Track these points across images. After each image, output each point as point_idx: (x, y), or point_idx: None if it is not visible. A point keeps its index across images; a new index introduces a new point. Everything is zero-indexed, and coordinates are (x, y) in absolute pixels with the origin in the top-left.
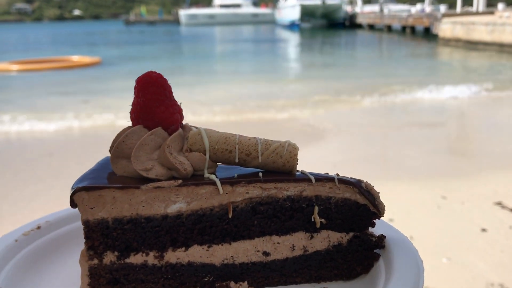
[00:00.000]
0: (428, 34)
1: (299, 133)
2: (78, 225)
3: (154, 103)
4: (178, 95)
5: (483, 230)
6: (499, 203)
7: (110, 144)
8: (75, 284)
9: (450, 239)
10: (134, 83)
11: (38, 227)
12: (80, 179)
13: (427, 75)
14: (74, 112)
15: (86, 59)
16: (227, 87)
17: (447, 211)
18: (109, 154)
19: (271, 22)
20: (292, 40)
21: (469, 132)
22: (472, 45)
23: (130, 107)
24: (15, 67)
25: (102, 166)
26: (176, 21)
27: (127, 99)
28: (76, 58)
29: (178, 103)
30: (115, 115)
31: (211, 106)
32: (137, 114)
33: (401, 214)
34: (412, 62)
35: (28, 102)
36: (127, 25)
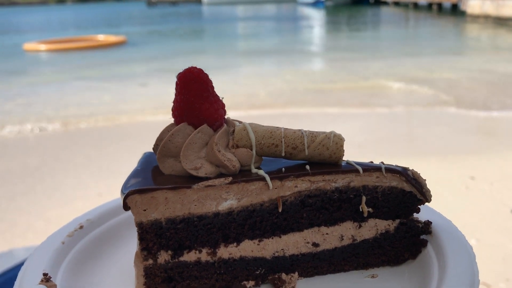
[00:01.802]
0: (455, 11)
1: (322, 116)
2: (117, 221)
3: (198, 99)
4: None
5: None
6: None
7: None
8: (126, 281)
9: (479, 220)
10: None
11: (81, 227)
12: (129, 181)
13: (456, 54)
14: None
15: (112, 38)
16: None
17: (476, 191)
18: (147, 150)
19: (293, 0)
20: (323, 19)
21: (498, 110)
22: (502, 21)
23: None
24: (43, 46)
25: (145, 164)
26: (198, 1)
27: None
28: (101, 37)
29: (221, 98)
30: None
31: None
32: (180, 111)
33: None
34: (441, 42)
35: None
36: (149, 6)
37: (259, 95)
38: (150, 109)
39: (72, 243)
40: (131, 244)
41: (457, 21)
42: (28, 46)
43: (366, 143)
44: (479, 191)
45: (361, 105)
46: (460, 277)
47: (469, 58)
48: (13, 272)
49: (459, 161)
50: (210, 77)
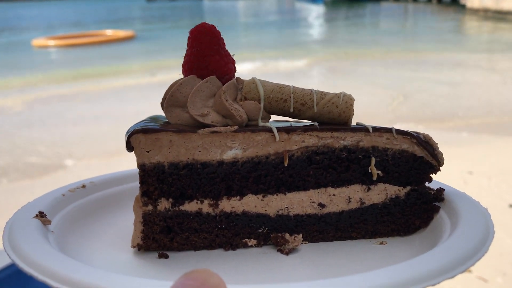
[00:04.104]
0: (455, 4)
1: None
2: (120, 189)
3: (208, 52)
4: None
5: (511, 205)
6: None
7: None
8: (122, 239)
9: None
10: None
11: (83, 186)
12: (134, 126)
13: (454, 45)
14: None
15: (121, 33)
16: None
17: (474, 186)
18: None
19: None
20: (326, 15)
21: (497, 105)
22: (501, 15)
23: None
24: (52, 42)
25: (153, 117)
26: None
27: None
28: (110, 32)
29: (231, 55)
30: None
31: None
32: (190, 64)
33: None
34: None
35: None
36: (149, 0)
37: None
38: None
39: (73, 198)
40: (131, 213)
41: (456, 15)
42: (37, 42)
43: None
44: (477, 186)
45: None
46: (472, 228)
47: None
48: (14, 268)
49: (458, 155)
50: None
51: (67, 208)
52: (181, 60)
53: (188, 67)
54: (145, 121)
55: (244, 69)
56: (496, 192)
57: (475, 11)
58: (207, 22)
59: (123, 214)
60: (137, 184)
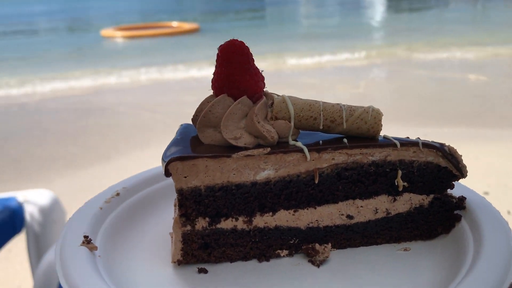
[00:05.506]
0: None
1: None
2: (152, 190)
3: (238, 71)
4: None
5: None
6: None
7: None
8: (160, 246)
9: None
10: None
11: (118, 194)
12: (169, 150)
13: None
14: None
15: (186, 25)
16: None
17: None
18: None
19: None
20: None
21: None
22: None
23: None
24: (119, 33)
25: (184, 134)
26: None
27: None
28: (175, 24)
29: (260, 71)
30: None
31: None
32: (220, 83)
33: (498, 188)
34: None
35: None
36: None
37: None
38: None
39: (110, 209)
40: (165, 213)
41: None
42: (105, 32)
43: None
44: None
45: None
46: (497, 250)
47: None
48: None
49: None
50: None
51: (106, 222)
52: None
53: (218, 85)
54: (177, 142)
55: (301, 64)
56: None
57: None
58: (236, 39)
59: (157, 216)
60: (166, 183)
